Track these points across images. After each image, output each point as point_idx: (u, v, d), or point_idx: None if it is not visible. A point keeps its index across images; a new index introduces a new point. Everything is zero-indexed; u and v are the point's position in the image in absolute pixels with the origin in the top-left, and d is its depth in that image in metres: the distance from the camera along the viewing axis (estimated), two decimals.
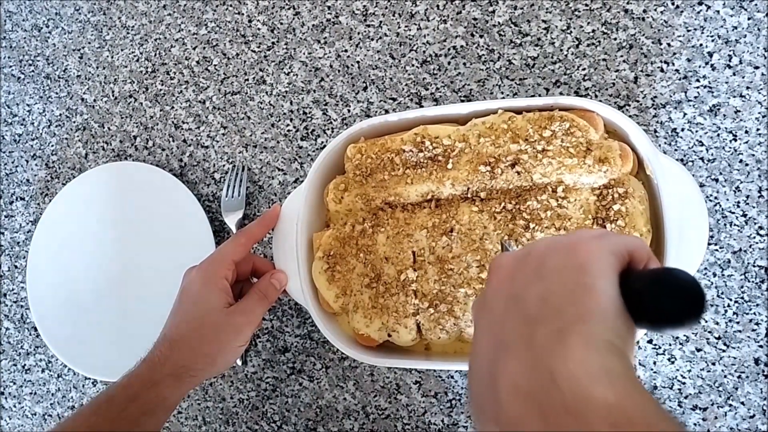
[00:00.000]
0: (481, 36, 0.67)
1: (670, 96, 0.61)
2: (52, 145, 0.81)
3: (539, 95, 0.65)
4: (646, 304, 0.32)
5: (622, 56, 0.63)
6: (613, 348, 0.30)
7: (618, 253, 0.34)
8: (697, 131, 0.60)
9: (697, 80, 0.61)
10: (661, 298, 0.31)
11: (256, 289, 0.58)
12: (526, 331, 0.32)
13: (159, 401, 0.53)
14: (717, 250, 0.59)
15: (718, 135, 0.60)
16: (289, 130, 0.72)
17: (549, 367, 0.30)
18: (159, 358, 0.54)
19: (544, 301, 0.33)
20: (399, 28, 0.70)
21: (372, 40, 0.70)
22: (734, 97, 0.60)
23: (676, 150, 0.61)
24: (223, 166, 0.74)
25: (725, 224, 0.59)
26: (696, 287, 0.31)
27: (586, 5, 0.64)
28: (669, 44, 0.62)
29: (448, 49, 0.68)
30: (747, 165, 0.59)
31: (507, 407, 0.31)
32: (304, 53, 0.73)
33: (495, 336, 0.34)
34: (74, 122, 0.81)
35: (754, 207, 0.58)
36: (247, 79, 0.74)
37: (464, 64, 0.67)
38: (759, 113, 0.59)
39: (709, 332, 0.58)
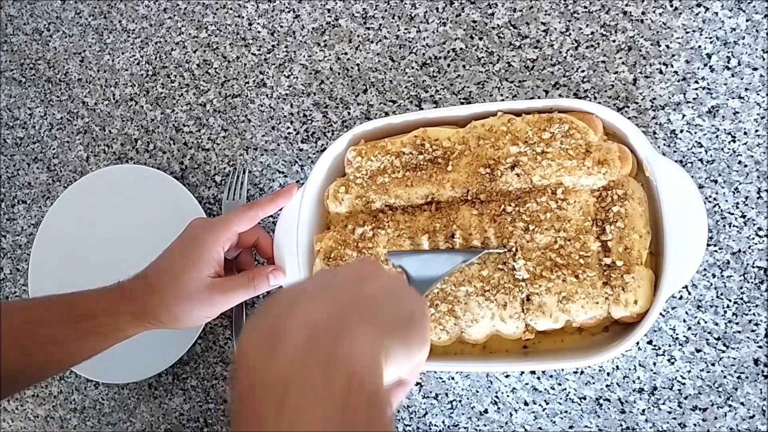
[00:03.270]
0: (480, 38, 0.67)
1: (669, 98, 0.62)
2: (54, 149, 0.82)
3: (538, 97, 0.65)
4: None
5: (620, 58, 0.63)
6: None
7: None
8: (696, 133, 0.61)
9: (696, 82, 0.61)
10: None
11: (249, 276, 0.58)
12: None
13: (113, 330, 0.55)
14: (716, 251, 0.59)
15: (717, 136, 0.60)
16: (289, 133, 0.72)
17: None
18: (129, 294, 0.55)
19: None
20: (398, 30, 0.70)
21: (372, 42, 0.71)
22: (733, 98, 0.60)
23: (675, 151, 0.61)
24: (224, 168, 0.74)
25: (724, 225, 0.59)
26: None
27: (585, 7, 0.65)
28: (668, 46, 0.62)
29: (448, 52, 0.68)
30: (746, 166, 0.59)
31: None
32: (304, 56, 0.73)
33: None
34: (75, 125, 0.81)
35: (753, 208, 0.59)
36: (248, 82, 0.75)
37: (464, 66, 0.67)
38: (758, 114, 0.59)
39: (709, 333, 0.58)
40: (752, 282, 0.58)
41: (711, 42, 0.61)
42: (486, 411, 0.63)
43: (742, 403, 0.57)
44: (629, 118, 0.61)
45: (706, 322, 0.58)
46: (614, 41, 0.63)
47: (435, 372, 0.64)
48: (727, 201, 0.59)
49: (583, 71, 0.64)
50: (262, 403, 0.31)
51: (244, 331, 0.35)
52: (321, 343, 0.32)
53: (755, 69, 0.60)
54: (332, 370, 0.31)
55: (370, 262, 0.43)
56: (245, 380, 0.32)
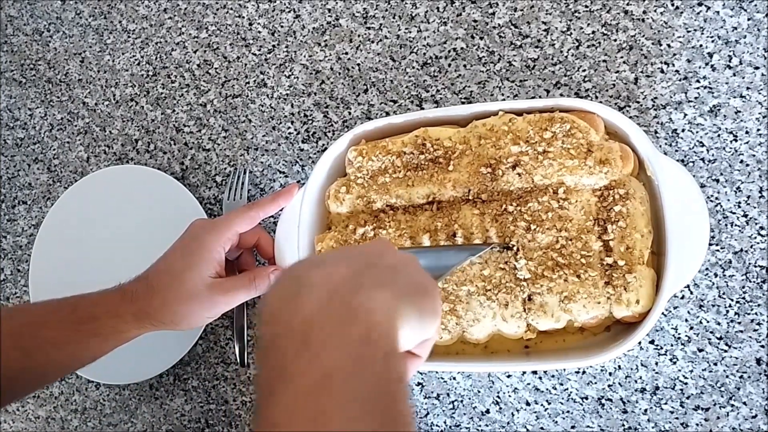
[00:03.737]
0: (481, 38, 0.67)
1: (671, 97, 0.61)
2: (54, 149, 0.81)
3: (540, 97, 0.65)
4: None
5: (622, 57, 0.63)
6: None
7: None
8: (697, 132, 0.61)
9: (698, 81, 0.61)
10: None
11: (250, 276, 0.58)
12: None
13: (115, 332, 0.55)
14: (718, 250, 0.59)
15: (719, 135, 0.60)
16: (290, 133, 0.72)
17: None
18: (131, 296, 0.55)
19: None
20: (399, 30, 0.70)
21: (372, 42, 0.71)
22: (734, 97, 0.60)
23: (676, 151, 0.61)
24: (225, 169, 0.74)
25: (726, 225, 0.59)
26: None
27: (586, 6, 0.64)
28: (669, 45, 0.62)
29: (449, 51, 0.68)
30: (748, 165, 0.59)
31: None
32: (304, 56, 0.73)
33: None
34: (76, 126, 0.81)
35: (755, 207, 0.58)
36: (248, 82, 0.74)
37: (464, 66, 0.67)
38: (759, 113, 0.59)
39: (711, 332, 0.58)
40: (754, 281, 0.58)
41: (712, 41, 0.61)
42: (488, 411, 0.62)
43: (744, 403, 0.57)
44: (630, 117, 0.61)
45: (708, 322, 0.58)
46: (615, 40, 0.63)
47: (437, 372, 0.64)
48: (728, 200, 0.59)
49: (584, 70, 0.64)
50: (285, 345, 0.33)
51: (268, 290, 0.37)
52: (341, 298, 0.34)
53: (757, 68, 0.60)
54: (352, 320, 0.33)
55: (385, 242, 0.45)
56: (270, 330, 0.34)
